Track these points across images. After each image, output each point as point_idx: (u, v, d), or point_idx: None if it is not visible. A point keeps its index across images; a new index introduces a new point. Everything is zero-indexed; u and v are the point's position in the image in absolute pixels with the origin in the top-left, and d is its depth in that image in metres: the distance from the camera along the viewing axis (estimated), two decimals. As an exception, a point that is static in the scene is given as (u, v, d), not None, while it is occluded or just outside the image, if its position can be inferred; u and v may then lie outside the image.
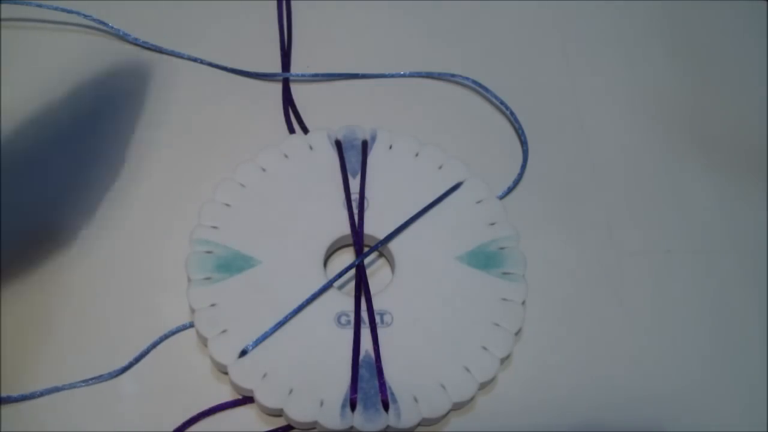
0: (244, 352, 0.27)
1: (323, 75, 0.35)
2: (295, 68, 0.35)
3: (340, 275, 0.28)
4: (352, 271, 0.29)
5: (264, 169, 0.31)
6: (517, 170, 0.33)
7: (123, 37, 0.35)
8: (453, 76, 0.35)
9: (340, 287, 0.29)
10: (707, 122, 0.35)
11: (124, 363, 0.27)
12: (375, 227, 0.30)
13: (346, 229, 0.30)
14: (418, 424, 0.26)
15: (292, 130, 0.33)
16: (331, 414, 0.26)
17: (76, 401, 0.26)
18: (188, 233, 0.29)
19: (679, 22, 0.39)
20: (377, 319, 0.28)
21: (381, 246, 0.30)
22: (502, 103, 0.35)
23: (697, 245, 0.32)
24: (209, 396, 0.27)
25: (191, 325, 0.28)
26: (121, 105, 0.33)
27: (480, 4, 0.39)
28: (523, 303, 0.28)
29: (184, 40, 0.35)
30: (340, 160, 0.31)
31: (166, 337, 0.28)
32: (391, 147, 0.32)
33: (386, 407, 0.26)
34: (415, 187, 0.31)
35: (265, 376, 0.26)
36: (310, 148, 0.32)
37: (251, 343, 0.27)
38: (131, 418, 0.26)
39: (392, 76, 0.35)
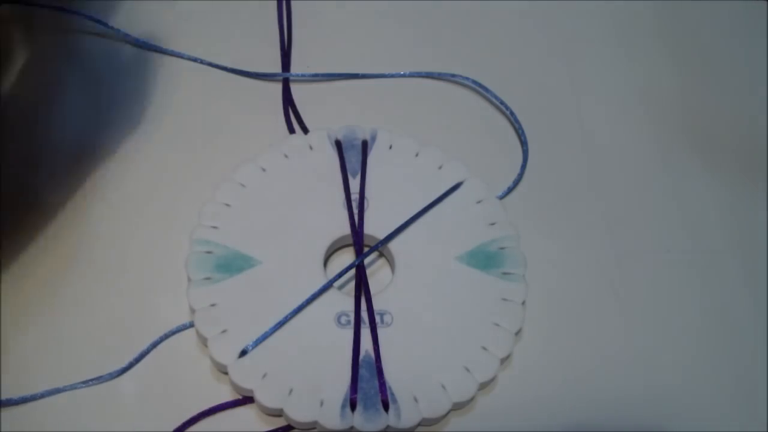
0: (244, 352, 0.27)
1: (323, 75, 0.35)
2: (295, 68, 0.35)
3: (340, 275, 0.28)
4: (352, 271, 0.29)
5: (264, 169, 0.31)
6: (517, 170, 0.33)
7: (123, 38, 0.35)
8: (453, 76, 0.35)
9: (340, 287, 0.29)
10: (707, 122, 0.35)
11: (124, 363, 0.27)
12: (375, 227, 0.30)
13: (346, 229, 0.30)
14: (418, 424, 0.26)
15: (292, 130, 0.33)
16: (331, 414, 0.26)
17: (77, 402, 0.26)
18: (188, 233, 0.29)
19: (678, 22, 0.39)
20: (377, 319, 0.28)
21: (381, 246, 0.30)
22: (502, 103, 0.35)
23: (697, 245, 0.32)
24: (209, 396, 0.27)
25: (191, 325, 0.28)
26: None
27: (480, 4, 0.39)
28: (523, 303, 0.28)
29: (184, 40, 0.35)
30: (340, 160, 0.31)
31: (166, 337, 0.28)
32: (391, 147, 0.32)
33: (386, 407, 0.26)
34: (415, 187, 0.31)
35: (265, 376, 0.26)
36: (310, 148, 0.32)
37: (251, 343, 0.27)
38: (131, 418, 0.26)
39: (392, 76, 0.35)
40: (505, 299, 0.28)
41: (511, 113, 0.34)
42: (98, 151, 0.32)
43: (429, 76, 0.36)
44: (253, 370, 0.26)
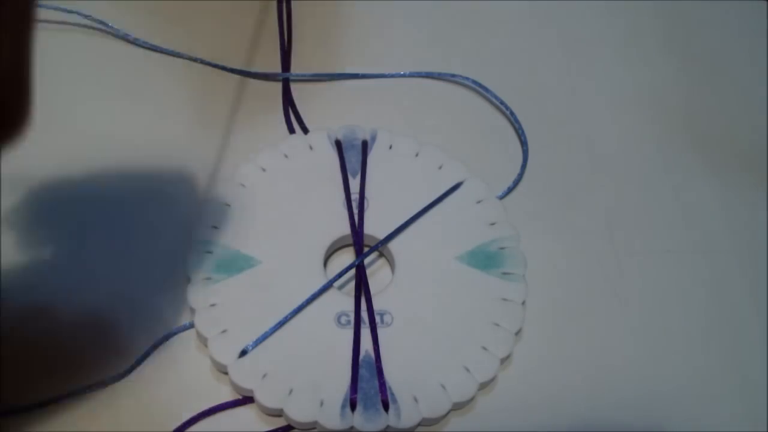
0: (244, 352, 0.27)
1: (323, 75, 0.35)
2: (295, 68, 0.35)
3: (340, 275, 0.28)
4: (352, 271, 0.29)
5: (264, 169, 0.31)
6: (517, 170, 0.33)
7: (123, 37, 0.35)
8: (453, 76, 0.35)
9: (340, 287, 0.29)
10: (707, 122, 0.35)
11: (126, 364, 0.27)
12: (375, 227, 0.30)
13: (346, 229, 0.30)
14: (418, 424, 0.26)
15: (292, 130, 0.33)
16: (331, 414, 0.26)
17: (77, 402, 0.26)
18: (188, 233, 0.29)
19: (678, 22, 0.39)
20: (377, 319, 0.28)
21: (381, 246, 0.30)
22: (502, 103, 0.35)
23: (697, 245, 0.32)
24: (209, 396, 0.27)
25: (191, 325, 0.28)
26: None
27: (480, 4, 0.39)
28: (523, 303, 0.28)
29: (185, 40, 0.35)
30: (340, 160, 0.31)
31: (166, 337, 0.28)
32: (391, 147, 0.32)
33: (386, 407, 0.26)
34: (415, 187, 0.31)
35: (265, 376, 0.26)
36: (310, 148, 0.32)
37: (251, 343, 0.27)
38: (131, 418, 0.26)
39: (392, 76, 0.35)
40: (505, 299, 0.28)
41: (511, 113, 0.34)
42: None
43: (429, 76, 0.36)
44: (253, 370, 0.26)
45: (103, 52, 0.35)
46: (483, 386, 0.27)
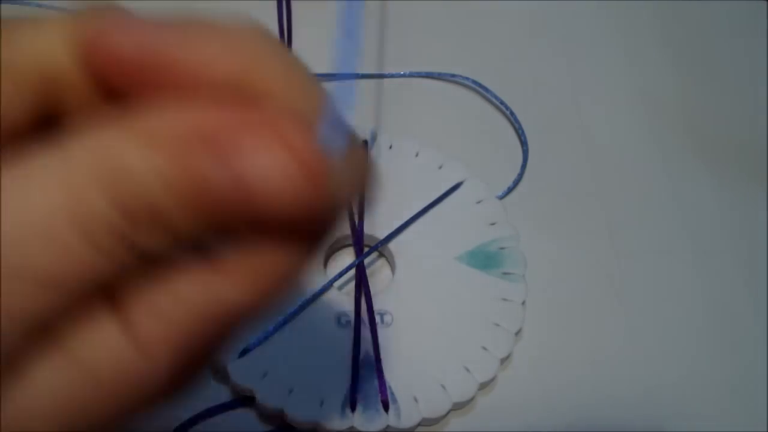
0: (244, 352, 0.26)
1: (323, 75, 0.35)
2: (295, 68, 0.35)
3: (340, 275, 0.28)
4: (352, 271, 0.29)
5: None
6: (517, 170, 0.33)
7: (123, 37, 0.35)
8: (453, 76, 0.35)
9: (340, 287, 0.29)
10: (707, 122, 0.35)
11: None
12: (375, 227, 0.30)
13: (346, 229, 0.30)
14: (418, 424, 0.26)
15: (292, 130, 0.33)
16: (331, 414, 0.26)
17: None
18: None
19: (678, 22, 0.39)
20: (377, 319, 0.28)
21: (381, 246, 0.29)
22: (502, 103, 0.35)
23: (696, 245, 0.32)
24: (209, 396, 0.27)
25: (191, 325, 0.28)
26: None
27: (480, 4, 0.39)
28: (523, 303, 0.28)
29: (184, 40, 0.35)
30: (340, 160, 0.31)
31: (166, 337, 0.28)
32: (391, 147, 0.32)
33: (386, 407, 0.26)
34: (415, 187, 0.31)
35: (265, 376, 0.26)
36: (310, 148, 0.32)
37: (251, 342, 0.27)
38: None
39: (392, 76, 0.35)
40: (505, 299, 0.28)
41: (511, 113, 0.34)
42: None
43: (429, 76, 0.36)
44: (253, 370, 0.26)
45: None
46: (483, 386, 0.27)
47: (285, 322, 0.27)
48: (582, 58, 0.37)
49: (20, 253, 0.10)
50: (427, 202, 0.30)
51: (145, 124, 0.11)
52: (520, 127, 0.34)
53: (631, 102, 0.36)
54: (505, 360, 0.28)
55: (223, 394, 0.27)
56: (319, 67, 0.38)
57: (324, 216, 0.12)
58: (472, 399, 0.27)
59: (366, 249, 0.29)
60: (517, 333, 0.28)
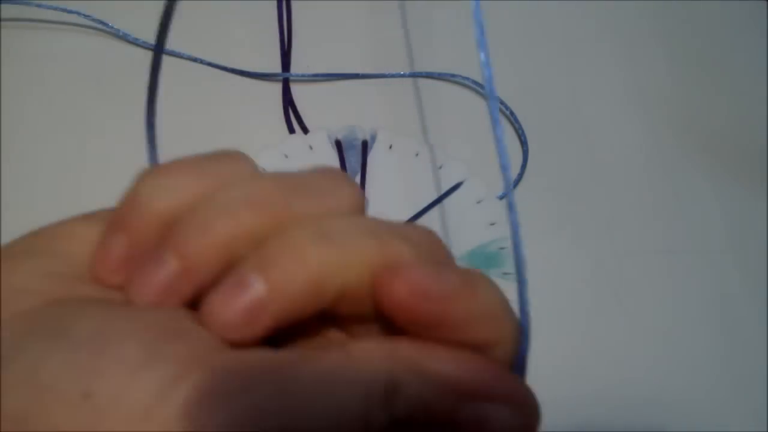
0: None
1: (323, 75, 0.35)
2: (295, 68, 0.35)
3: (340, 275, 0.28)
4: (352, 271, 0.29)
5: (264, 170, 0.31)
6: (517, 170, 0.33)
7: (123, 37, 0.35)
8: (453, 76, 0.35)
9: (340, 287, 0.29)
10: (707, 122, 0.35)
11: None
12: (375, 227, 0.30)
13: (346, 229, 0.30)
14: (418, 424, 0.26)
15: (292, 130, 0.33)
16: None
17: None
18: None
19: (678, 22, 0.39)
20: (377, 319, 0.28)
21: (381, 246, 0.29)
22: (502, 103, 0.35)
23: (697, 245, 0.32)
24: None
25: (191, 325, 0.28)
26: None
27: (480, 5, 0.38)
28: (523, 303, 0.28)
29: (184, 40, 0.35)
30: (340, 160, 0.31)
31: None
32: (391, 147, 0.32)
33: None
34: (415, 187, 0.31)
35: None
36: (310, 148, 0.32)
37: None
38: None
39: (392, 76, 0.35)
40: (505, 299, 0.28)
41: (511, 113, 0.34)
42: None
43: (429, 76, 0.36)
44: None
45: (103, 52, 0.35)
46: (483, 386, 0.27)
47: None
48: (582, 59, 0.37)
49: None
50: (427, 202, 0.30)
51: (420, 361, 0.14)
52: (520, 127, 0.34)
53: (631, 102, 0.36)
54: (505, 360, 0.28)
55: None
56: (320, 67, 0.38)
57: None
58: (472, 399, 0.27)
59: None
60: (517, 333, 0.28)
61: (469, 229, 0.30)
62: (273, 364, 0.13)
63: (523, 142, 0.34)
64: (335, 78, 0.35)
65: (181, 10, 0.39)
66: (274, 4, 0.37)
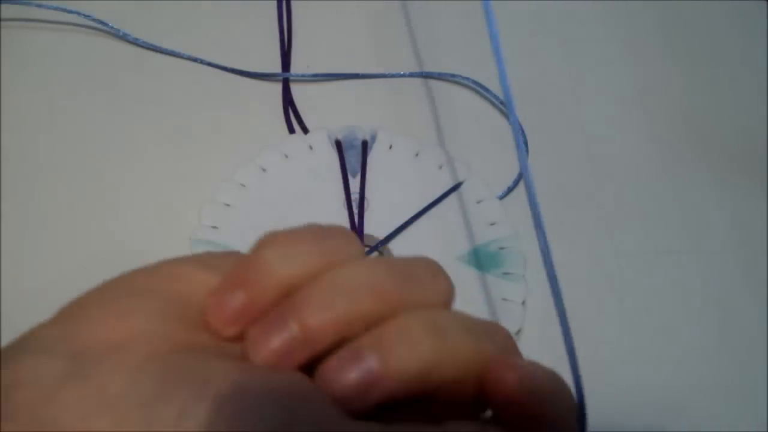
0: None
1: (323, 75, 0.35)
2: (295, 68, 0.35)
3: (340, 275, 0.28)
4: (352, 271, 0.29)
5: (264, 170, 0.31)
6: (517, 170, 0.33)
7: (123, 37, 0.35)
8: (453, 76, 0.35)
9: (340, 287, 0.29)
10: (707, 122, 0.35)
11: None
12: (375, 227, 0.30)
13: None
14: (418, 424, 0.26)
15: (292, 130, 0.33)
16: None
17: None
18: (188, 233, 0.29)
19: (678, 22, 0.39)
20: (377, 319, 0.28)
21: (381, 246, 0.30)
22: (502, 103, 0.35)
23: (697, 245, 0.32)
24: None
25: (191, 325, 0.28)
26: None
27: (480, 4, 0.38)
28: (523, 303, 0.28)
29: (184, 40, 0.35)
30: (340, 160, 0.31)
31: (166, 337, 0.28)
32: (391, 147, 0.32)
33: (386, 407, 0.26)
34: (415, 187, 0.31)
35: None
36: (310, 148, 0.32)
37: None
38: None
39: (392, 76, 0.35)
40: (505, 299, 0.28)
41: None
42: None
43: (429, 76, 0.36)
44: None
45: (103, 52, 0.35)
46: (483, 386, 0.27)
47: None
48: (582, 58, 0.37)
49: None
50: (427, 202, 0.30)
51: None
52: (520, 127, 0.34)
53: (631, 102, 0.36)
54: (505, 360, 0.28)
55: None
56: (320, 66, 0.38)
57: None
58: (472, 399, 0.27)
59: (366, 249, 0.29)
60: (517, 333, 0.28)
61: (469, 229, 0.30)
62: None
63: (524, 142, 0.34)
64: (335, 78, 0.35)
65: (181, 10, 0.39)
66: (274, 4, 0.37)
